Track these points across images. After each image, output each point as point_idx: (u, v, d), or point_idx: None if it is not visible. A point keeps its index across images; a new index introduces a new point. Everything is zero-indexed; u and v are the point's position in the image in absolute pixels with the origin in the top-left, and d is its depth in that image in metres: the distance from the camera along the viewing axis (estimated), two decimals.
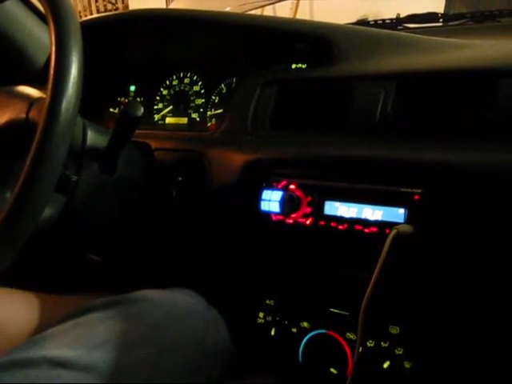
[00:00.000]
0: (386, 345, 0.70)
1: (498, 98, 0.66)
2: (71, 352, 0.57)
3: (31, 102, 0.71)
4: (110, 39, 1.10)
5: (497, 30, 1.09)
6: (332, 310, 0.75)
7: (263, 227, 0.78)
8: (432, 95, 0.73)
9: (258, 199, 0.77)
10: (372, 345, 0.71)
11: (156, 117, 1.11)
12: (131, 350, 0.62)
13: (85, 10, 6.08)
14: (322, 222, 0.73)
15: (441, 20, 1.16)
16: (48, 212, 0.70)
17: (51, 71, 0.59)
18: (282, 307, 0.80)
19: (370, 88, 0.76)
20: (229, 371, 0.74)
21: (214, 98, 1.04)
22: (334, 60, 0.84)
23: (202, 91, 1.06)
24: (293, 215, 0.74)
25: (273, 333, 0.80)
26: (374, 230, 0.68)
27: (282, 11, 2.78)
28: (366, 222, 0.69)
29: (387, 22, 1.18)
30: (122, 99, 1.17)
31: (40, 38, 1.05)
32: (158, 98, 1.12)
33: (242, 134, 0.85)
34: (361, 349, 0.69)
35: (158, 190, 0.89)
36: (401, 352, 0.70)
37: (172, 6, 2.68)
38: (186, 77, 1.09)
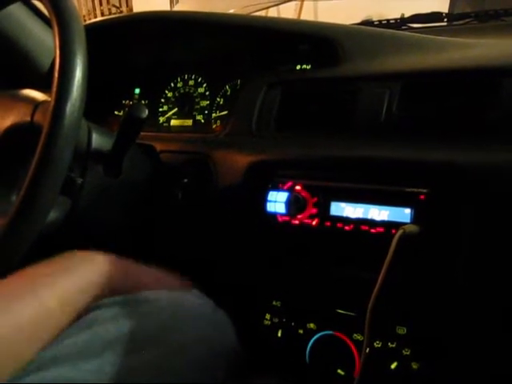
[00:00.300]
0: (394, 345, 0.70)
1: (503, 98, 0.66)
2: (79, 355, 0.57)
3: (36, 105, 0.71)
4: (115, 42, 1.10)
5: (501, 29, 1.08)
6: (339, 310, 0.75)
7: (269, 228, 0.78)
8: (437, 95, 0.72)
9: (264, 200, 0.77)
10: (379, 345, 0.71)
11: (161, 119, 1.11)
12: (139, 352, 0.61)
13: (89, 14, 6.10)
14: (328, 223, 0.72)
15: (445, 19, 1.16)
16: (53, 214, 0.70)
17: (56, 74, 0.59)
18: (288, 308, 0.80)
19: (374, 88, 0.76)
20: (236, 373, 0.74)
21: (218, 99, 1.04)
22: (338, 60, 0.84)
23: (207, 93, 1.07)
24: (299, 216, 0.74)
25: (279, 334, 0.80)
26: (381, 230, 0.68)
27: (286, 13, 2.78)
28: (372, 223, 0.69)
29: (391, 22, 1.18)
30: (127, 102, 1.17)
31: (44, 42, 1.06)
32: (162, 100, 1.12)
33: (246, 136, 0.85)
34: (368, 349, 0.69)
35: (164, 191, 0.89)
36: (408, 352, 0.69)
37: (176, 8, 2.68)
38: (191, 79, 1.09)
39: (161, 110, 1.12)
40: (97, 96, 0.83)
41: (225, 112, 1.02)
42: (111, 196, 0.81)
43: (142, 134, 0.77)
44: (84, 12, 6.10)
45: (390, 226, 0.67)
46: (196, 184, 0.86)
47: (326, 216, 0.73)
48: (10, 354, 0.52)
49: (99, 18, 1.10)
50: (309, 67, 0.94)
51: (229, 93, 1.03)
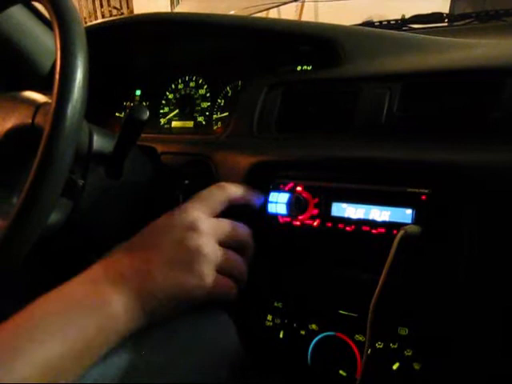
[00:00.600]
0: (395, 346, 0.70)
1: (504, 98, 0.66)
2: None
3: (37, 107, 0.71)
4: (116, 44, 1.10)
5: (502, 29, 1.08)
6: (340, 311, 0.75)
7: (270, 229, 0.78)
8: (438, 95, 0.72)
9: (265, 201, 0.77)
10: (381, 346, 0.71)
11: (162, 121, 1.12)
12: (145, 355, 0.62)
13: (90, 16, 6.11)
14: (330, 224, 0.72)
15: (446, 20, 1.16)
16: (54, 216, 0.70)
17: (56, 76, 0.59)
18: (290, 310, 0.80)
19: (375, 89, 0.76)
20: (238, 374, 0.74)
21: (219, 101, 1.04)
22: (339, 61, 0.84)
23: (208, 95, 1.07)
24: (300, 217, 0.74)
25: (281, 335, 0.80)
26: (382, 230, 0.68)
27: (287, 14, 2.78)
28: (373, 223, 0.69)
29: (392, 22, 1.18)
30: (128, 103, 1.17)
31: (45, 44, 1.06)
32: (163, 101, 1.12)
33: (247, 137, 0.85)
34: (370, 350, 0.69)
35: (165, 193, 0.89)
36: (410, 353, 0.69)
37: (177, 9, 2.69)
38: (192, 80, 1.09)
39: (162, 111, 1.12)
40: (98, 98, 0.83)
41: (226, 113, 1.02)
42: (112, 198, 0.81)
43: (142, 135, 0.77)
44: (85, 14, 6.11)
45: (391, 226, 0.67)
46: (197, 185, 0.86)
47: (328, 217, 0.72)
48: None
49: (100, 20, 1.10)
50: (310, 68, 0.94)
51: (230, 94, 1.03)
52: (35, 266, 0.92)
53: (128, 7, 6.31)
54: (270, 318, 0.81)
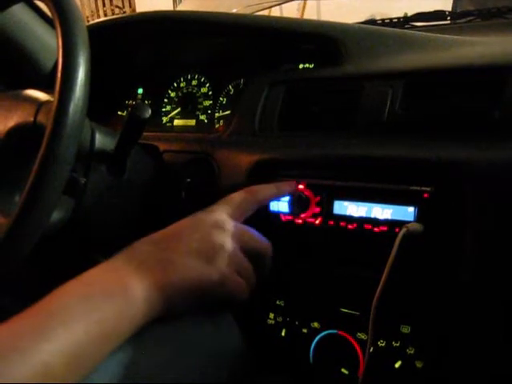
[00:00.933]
0: (398, 344, 0.70)
1: (507, 95, 0.65)
2: None
3: (39, 105, 0.71)
4: (118, 42, 1.10)
5: (505, 26, 1.08)
6: (342, 310, 0.75)
7: (273, 228, 0.77)
8: (440, 93, 0.72)
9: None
10: (383, 344, 0.71)
11: (164, 119, 1.12)
12: (144, 351, 0.62)
13: (92, 15, 6.12)
14: (332, 222, 0.72)
15: (448, 18, 1.16)
16: (57, 215, 0.70)
17: (58, 74, 0.59)
18: (292, 308, 0.80)
19: (377, 87, 0.76)
20: (240, 372, 0.74)
21: (221, 99, 1.04)
22: (341, 59, 0.84)
23: (210, 93, 1.07)
24: (302, 215, 0.74)
25: (283, 333, 0.80)
26: (384, 228, 0.68)
27: (290, 12, 2.78)
28: (375, 221, 0.69)
29: (395, 20, 1.18)
30: (130, 102, 1.17)
31: (47, 42, 1.06)
32: (165, 100, 1.12)
33: (249, 135, 0.85)
34: (372, 349, 0.69)
35: (167, 191, 0.89)
36: (412, 351, 0.69)
37: (179, 8, 2.68)
38: (194, 79, 1.09)
39: (164, 109, 1.12)
40: (100, 96, 0.83)
41: (228, 111, 1.02)
42: (114, 196, 0.81)
43: (145, 133, 0.77)
44: (87, 13, 6.12)
45: (393, 224, 0.67)
46: (199, 183, 0.86)
47: (329, 215, 0.73)
48: None
49: (102, 19, 1.10)
50: (312, 66, 0.94)
51: (232, 92, 1.03)
52: (38, 264, 0.92)
53: (130, 6, 6.32)
54: (271, 316, 0.81)
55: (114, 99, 1.18)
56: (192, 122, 1.08)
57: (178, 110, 1.10)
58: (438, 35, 0.85)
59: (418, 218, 0.66)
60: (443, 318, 0.67)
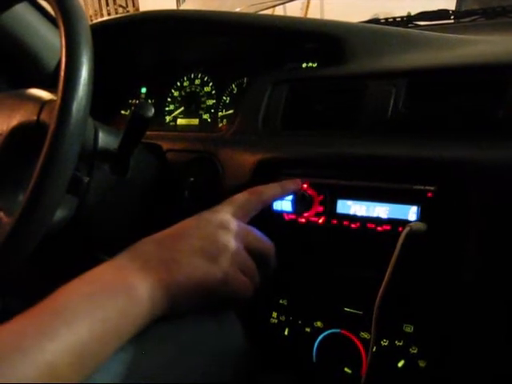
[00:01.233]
0: (401, 344, 0.70)
1: (511, 95, 0.65)
2: None
3: (42, 104, 0.71)
4: (121, 41, 1.10)
5: (509, 25, 1.08)
6: (346, 309, 0.75)
7: (276, 227, 0.77)
8: (444, 92, 0.72)
9: None
10: (386, 344, 0.71)
11: (167, 118, 1.12)
12: (147, 351, 0.62)
13: (96, 14, 6.13)
14: (335, 221, 0.72)
15: (452, 17, 1.15)
16: (60, 213, 0.70)
17: (61, 73, 0.59)
18: (295, 307, 0.80)
19: (381, 86, 0.76)
20: (243, 371, 0.74)
21: (224, 98, 1.04)
22: (344, 58, 0.84)
23: (213, 92, 1.07)
24: (305, 214, 0.74)
25: (286, 332, 0.80)
26: (387, 228, 0.68)
27: (293, 11, 2.78)
28: (378, 220, 0.69)
29: (398, 19, 1.18)
30: (133, 101, 1.17)
31: (51, 42, 1.06)
32: (169, 99, 1.12)
33: (253, 134, 0.85)
34: (375, 348, 0.69)
35: (170, 190, 0.89)
36: (415, 351, 0.69)
37: (182, 7, 2.69)
38: (197, 78, 1.09)
39: (167, 109, 1.12)
40: (103, 95, 0.83)
41: (231, 111, 1.02)
42: (117, 195, 0.81)
43: (148, 133, 0.77)
44: (91, 12, 6.13)
45: (396, 223, 0.67)
46: (202, 183, 0.86)
47: (333, 214, 0.72)
48: None
49: (105, 18, 1.10)
50: (315, 65, 0.94)
51: (235, 91, 1.03)
52: (41, 263, 0.92)
53: (134, 5, 6.33)
54: (274, 315, 0.81)
55: (118, 98, 1.18)
56: (195, 121, 1.08)
57: (182, 109, 1.10)
58: (442, 34, 0.85)
59: (421, 217, 0.65)
60: (446, 318, 0.67)
